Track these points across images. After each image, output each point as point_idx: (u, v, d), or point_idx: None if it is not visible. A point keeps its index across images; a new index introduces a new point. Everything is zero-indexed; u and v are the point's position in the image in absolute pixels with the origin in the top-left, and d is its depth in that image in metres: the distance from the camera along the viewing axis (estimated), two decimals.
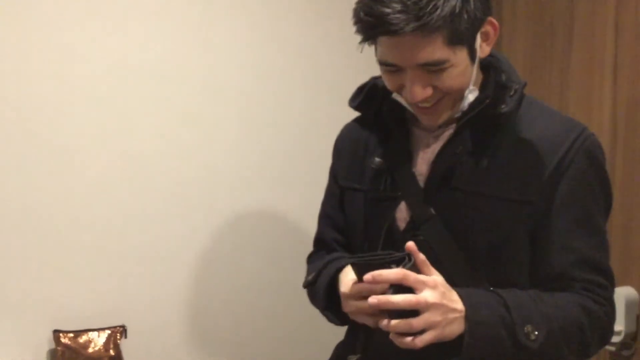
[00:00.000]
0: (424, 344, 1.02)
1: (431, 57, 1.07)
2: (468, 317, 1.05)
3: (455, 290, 1.07)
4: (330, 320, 1.28)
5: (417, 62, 1.08)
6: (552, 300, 1.12)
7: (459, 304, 1.05)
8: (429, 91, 1.12)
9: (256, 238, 2.11)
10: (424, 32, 1.04)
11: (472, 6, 1.08)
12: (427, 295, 1.01)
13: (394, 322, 1.01)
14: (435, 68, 1.09)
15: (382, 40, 1.10)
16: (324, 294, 1.23)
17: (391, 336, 1.04)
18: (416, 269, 1.04)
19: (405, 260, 1.04)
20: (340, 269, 1.20)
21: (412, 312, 1.02)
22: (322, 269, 1.27)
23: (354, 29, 1.13)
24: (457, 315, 1.04)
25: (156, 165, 1.93)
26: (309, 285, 1.30)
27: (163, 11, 1.92)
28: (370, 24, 1.07)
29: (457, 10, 1.05)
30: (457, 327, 1.05)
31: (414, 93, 1.11)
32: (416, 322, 1.01)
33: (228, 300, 2.07)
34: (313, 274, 1.28)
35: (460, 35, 1.08)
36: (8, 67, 1.73)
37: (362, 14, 1.08)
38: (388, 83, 1.18)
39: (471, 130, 1.16)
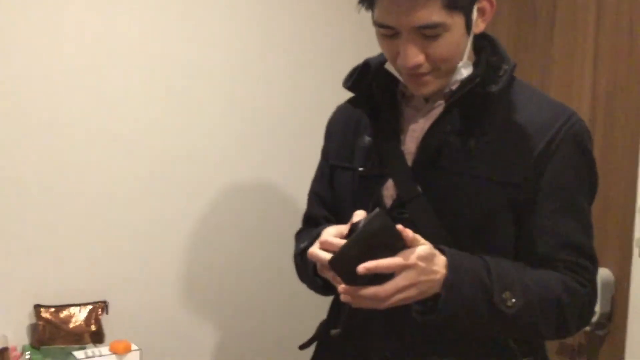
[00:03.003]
0: (388, 306, 1.05)
1: (428, 19, 1.08)
2: (447, 278, 1.07)
3: (443, 250, 1.09)
4: (317, 288, 1.29)
5: (414, 24, 1.09)
6: (535, 275, 1.15)
7: (440, 268, 1.07)
8: (421, 58, 1.12)
9: (239, 218, 2.11)
10: None
11: None
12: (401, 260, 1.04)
13: (362, 292, 1.04)
14: (431, 32, 1.10)
15: (381, 0, 1.11)
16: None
17: (354, 302, 1.06)
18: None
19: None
20: None
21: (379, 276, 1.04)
22: (317, 236, 1.26)
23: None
24: (434, 277, 1.06)
25: (140, 144, 1.93)
26: (302, 252, 1.29)
27: None
28: None
29: None
30: (435, 288, 1.07)
31: (407, 56, 1.12)
32: (383, 291, 1.03)
33: (210, 278, 2.08)
34: (307, 241, 1.28)
35: (459, 0, 1.09)
36: None
37: None
38: (383, 49, 1.18)
39: (460, 109, 1.17)
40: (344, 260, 1.04)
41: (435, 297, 1.08)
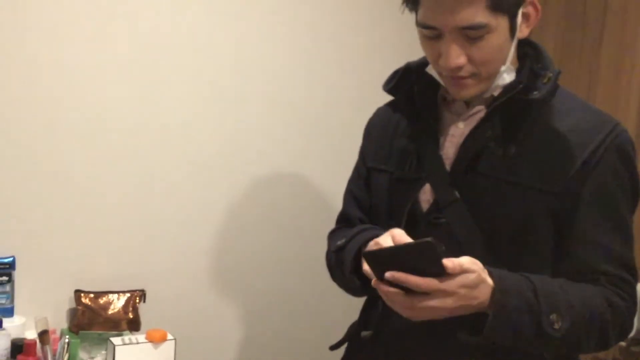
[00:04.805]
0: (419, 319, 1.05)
1: (472, 19, 1.07)
2: (494, 302, 1.05)
3: (489, 271, 1.06)
4: (351, 289, 1.29)
5: (457, 25, 1.08)
6: (578, 292, 1.12)
7: (481, 295, 1.04)
8: (463, 59, 1.11)
9: (275, 212, 2.13)
10: None
11: None
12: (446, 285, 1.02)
13: (398, 297, 1.03)
14: (474, 33, 1.09)
15: (425, 0, 1.11)
16: (352, 259, 1.23)
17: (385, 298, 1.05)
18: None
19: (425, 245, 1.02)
20: (373, 237, 1.17)
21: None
22: (354, 235, 1.27)
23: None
24: (472, 302, 1.04)
25: (181, 134, 1.96)
26: (338, 250, 1.29)
27: None
28: None
29: None
30: (468, 309, 1.05)
31: (449, 57, 1.11)
32: (419, 303, 1.02)
33: (246, 271, 2.11)
34: (344, 239, 1.28)
35: (504, 1, 1.08)
36: (40, 30, 1.75)
37: None
38: (426, 51, 1.18)
39: (501, 115, 1.16)
40: (377, 258, 1.05)
41: (481, 319, 1.06)
